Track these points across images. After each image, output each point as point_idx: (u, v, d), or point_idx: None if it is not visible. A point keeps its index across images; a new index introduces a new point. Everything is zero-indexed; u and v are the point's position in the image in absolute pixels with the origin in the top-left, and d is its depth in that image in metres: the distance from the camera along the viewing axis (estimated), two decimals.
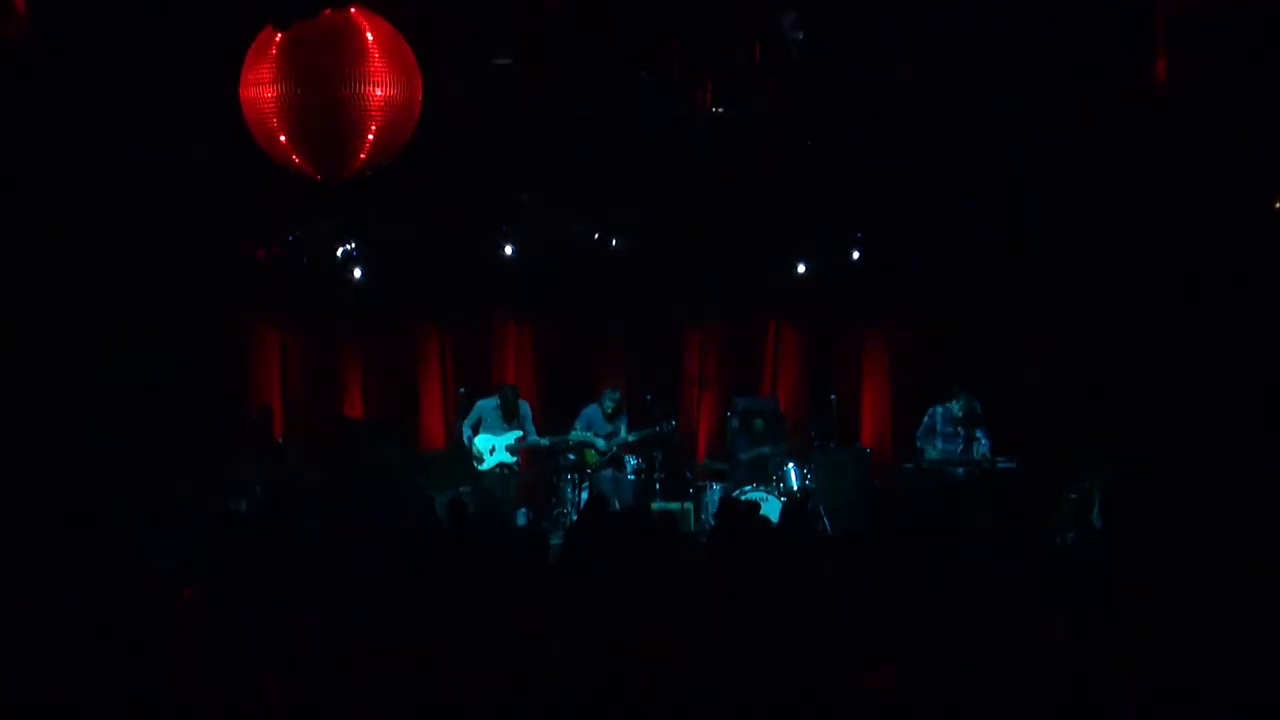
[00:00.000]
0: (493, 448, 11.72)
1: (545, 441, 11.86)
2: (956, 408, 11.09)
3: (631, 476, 11.73)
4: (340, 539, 7.27)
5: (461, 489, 11.47)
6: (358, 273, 12.31)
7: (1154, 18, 9.64)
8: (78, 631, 5.31)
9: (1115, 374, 10.99)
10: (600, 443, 11.73)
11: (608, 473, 11.71)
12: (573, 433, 11.83)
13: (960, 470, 11.01)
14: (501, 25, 9.70)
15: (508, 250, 12.05)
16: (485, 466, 11.71)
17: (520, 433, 11.75)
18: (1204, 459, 9.69)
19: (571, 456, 11.82)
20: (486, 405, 11.84)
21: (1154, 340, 10.66)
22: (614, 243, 11.98)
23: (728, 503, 9.54)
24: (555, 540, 9.10)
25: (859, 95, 10.21)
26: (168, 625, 5.46)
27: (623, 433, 11.83)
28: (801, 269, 12.24)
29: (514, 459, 11.77)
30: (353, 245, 12.10)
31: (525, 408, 11.89)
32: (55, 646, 5.17)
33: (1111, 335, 11.04)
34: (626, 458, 11.82)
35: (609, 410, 11.81)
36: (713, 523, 11.08)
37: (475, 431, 11.77)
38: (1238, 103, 9.56)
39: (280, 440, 12.34)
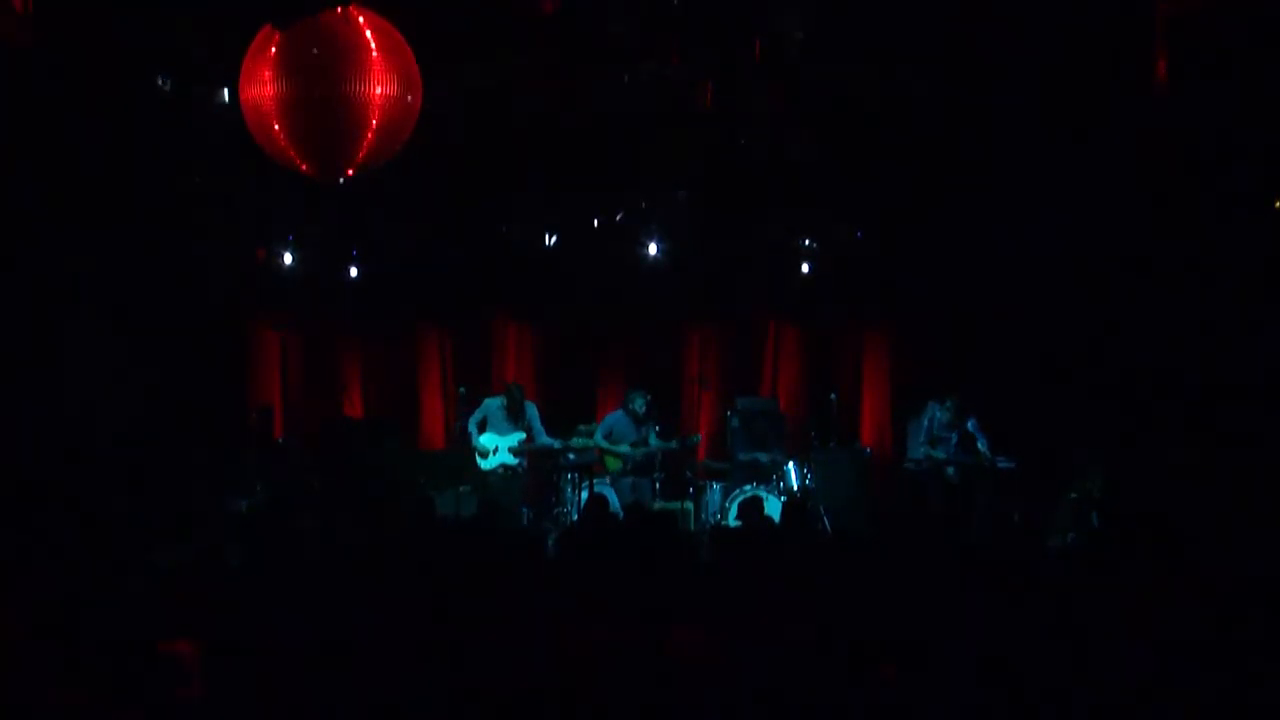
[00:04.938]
0: (496, 447, 11.66)
1: (557, 444, 11.70)
2: (947, 413, 11.13)
3: (660, 474, 11.66)
4: (338, 539, 7.27)
5: (461, 489, 11.46)
6: (357, 273, 12.33)
7: (1154, 18, 9.64)
8: (77, 632, 5.31)
9: (1115, 374, 10.99)
10: (624, 448, 11.65)
11: (628, 480, 11.56)
12: (576, 438, 11.74)
13: (956, 469, 11.04)
14: (501, 24, 9.70)
15: (508, 250, 12.06)
16: (488, 466, 11.65)
17: (524, 434, 11.69)
18: (1203, 459, 9.70)
19: (572, 457, 11.76)
20: (492, 404, 11.78)
21: (1153, 341, 10.66)
22: (614, 243, 11.99)
23: (750, 503, 9.58)
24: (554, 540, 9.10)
25: (858, 95, 10.20)
26: (167, 626, 5.44)
27: (652, 440, 11.68)
28: (801, 269, 12.24)
29: (517, 460, 11.71)
30: (352, 245, 12.12)
31: (532, 409, 11.77)
32: (54, 646, 5.16)
33: (1111, 335, 11.03)
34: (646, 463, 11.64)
35: (641, 413, 11.60)
36: (713, 523, 11.10)
37: (481, 430, 11.74)
38: (1238, 103, 9.56)
39: (280, 440, 12.34)
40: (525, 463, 11.76)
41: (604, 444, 11.68)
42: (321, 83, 6.74)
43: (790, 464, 11.42)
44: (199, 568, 6.44)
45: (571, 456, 11.73)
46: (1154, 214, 10.46)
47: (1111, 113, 10.11)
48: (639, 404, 11.64)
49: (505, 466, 11.66)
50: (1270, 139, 9.66)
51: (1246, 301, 10.07)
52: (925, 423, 11.30)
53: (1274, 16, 9.30)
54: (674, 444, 11.73)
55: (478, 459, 11.66)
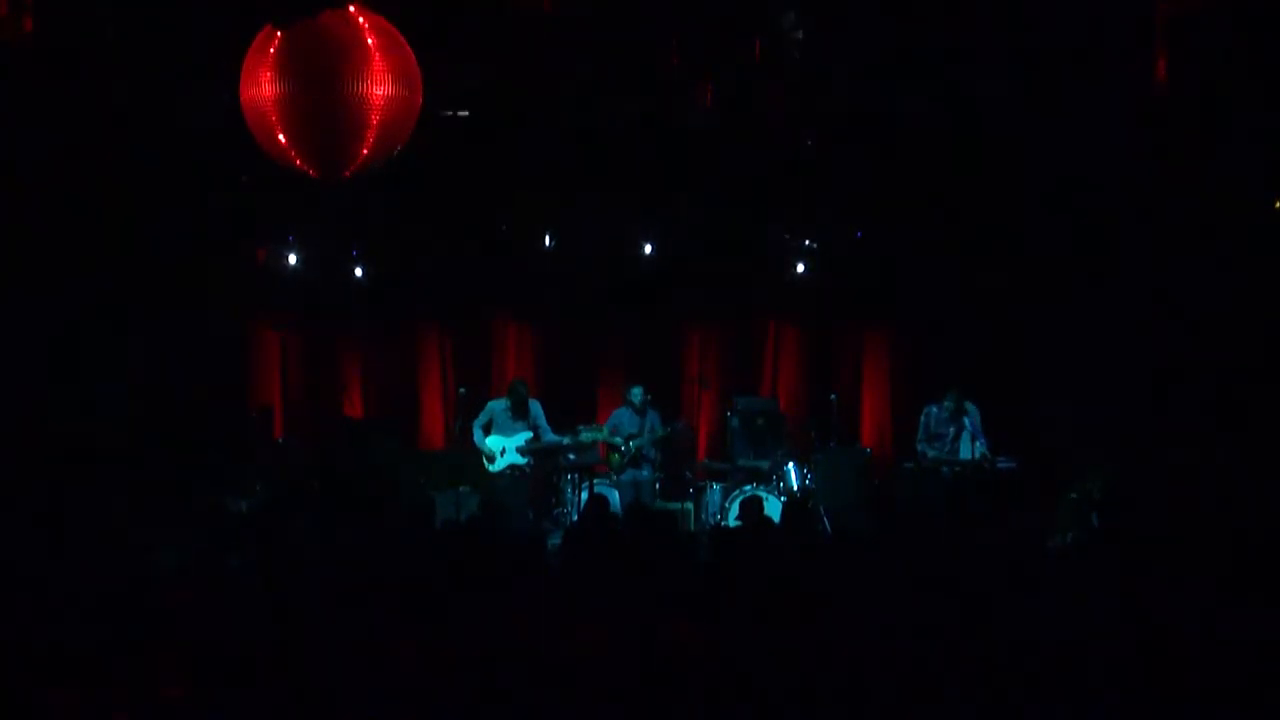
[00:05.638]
0: (503, 449, 11.62)
1: (566, 440, 11.69)
2: (946, 410, 11.14)
3: (660, 473, 11.67)
4: (338, 539, 7.27)
5: (462, 489, 11.45)
6: (358, 273, 12.34)
7: (1154, 18, 9.65)
8: (77, 632, 5.31)
9: (1115, 374, 10.99)
10: (617, 440, 11.65)
11: (628, 475, 11.59)
12: (584, 433, 11.74)
13: (955, 469, 11.05)
14: (500, 24, 9.70)
15: (508, 250, 12.06)
16: (496, 468, 11.61)
17: (530, 433, 11.66)
18: (1203, 460, 9.71)
19: (573, 457, 11.73)
20: (497, 406, 11.72)
21: (1153, 341, 10.67)
22: (614, 242, 11.99)
23: (750, 503, 9.57)
24: (555, 540, 9.10)
25: (858, 95, 10.21)
26: (165, 626, 5.45)
27: (657, 428, 11.69)
28: (801, 269, 12.26)
29: (525, 460, 11.68)
30: (352, 245, 12.13)
31: (536, 406, 11.72)
32: (54, 646, 5.17)
33: (1111, 335, 11.04)
34: (647, 453, 11.66)
35: (638, 403, 11.64)
36: (713, 523, 11.10)
37: (486, 432, 11.71)
38: (1238, 103, 9.56)
39: (280, 440, 12.33)
40: (533, 462, 11.74)
41: (597, 434, 11.70)
42: (322, 83, 6.74)
43: (790, 464, 11.42)
44: (198, 568, 6.44)
45: (572, 456, 11.73)
46: (1153, 214, 10.46)
47: (1110, 112, 10.11)
48: (636, 395, 11.69)
49: (514, 467, 11.59)
50: (1270, 139, 9.66)
51: (1247, 301, 10.08)
52: (922, 420, 11.32)
53: (1274, 17, 9.31)
54: (665, 430, 11.74)
55: (485, 463, 11.62)
